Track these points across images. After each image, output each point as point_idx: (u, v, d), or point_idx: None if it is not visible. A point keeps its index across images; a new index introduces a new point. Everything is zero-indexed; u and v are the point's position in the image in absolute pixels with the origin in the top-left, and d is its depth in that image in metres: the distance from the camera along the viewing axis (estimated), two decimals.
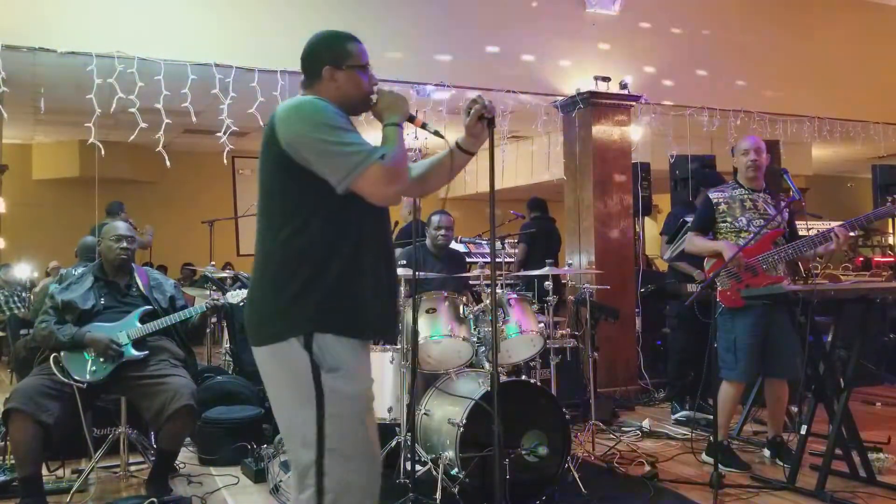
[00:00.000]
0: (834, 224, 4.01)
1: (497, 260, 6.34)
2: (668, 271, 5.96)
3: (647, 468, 4.08)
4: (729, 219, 4.16)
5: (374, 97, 2.15)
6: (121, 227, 3.98)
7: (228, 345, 6.29)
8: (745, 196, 4.19)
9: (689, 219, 4.81)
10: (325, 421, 1.94)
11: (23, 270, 8.96)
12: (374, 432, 2.06)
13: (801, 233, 4.35)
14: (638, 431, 5.03)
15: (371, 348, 4.02)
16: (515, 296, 4.11)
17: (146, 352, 3.77)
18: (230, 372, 5.64)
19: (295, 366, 1.96)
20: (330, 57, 2.12)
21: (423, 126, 2.21)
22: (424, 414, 3.80)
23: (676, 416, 5.39)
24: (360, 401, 2.01)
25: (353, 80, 2.13)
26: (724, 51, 7.39)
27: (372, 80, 2.18)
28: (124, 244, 3.92)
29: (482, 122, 2.20)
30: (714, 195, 4.25)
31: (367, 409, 2.05)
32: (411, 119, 2.16)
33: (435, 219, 4.87)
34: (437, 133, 2.22)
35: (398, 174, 2.00)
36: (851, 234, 4.11)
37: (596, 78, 6.62)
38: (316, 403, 1.94)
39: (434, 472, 3.51)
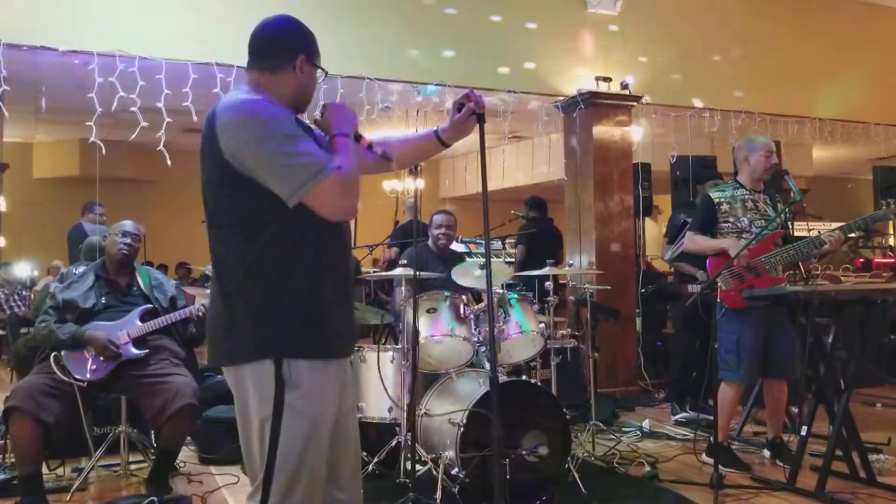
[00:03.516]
0: (835, 225, 4.01)
1: (497, 260, 6.35)
2: (674, 273, 5.96)
3: (648, 469, 4.07)
4: (731, 219, 4.14)
5: (317, 115, 2.04)
6: (127, 224, 4.00)
7: None
8: (747, 196, 4.17)
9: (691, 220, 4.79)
10: (280, 440, 1.85)
11: (23, 269, 8.97)
12: (325, 460, 1.94)
13: (801, 234, 4.34)
14: (638, 432, 5.03)
15: (372, 348, 4.07)
16: (516, 296, 4.11)
17: (146, 350, 3.78)
18: None
19: (257, 385, 1.87)
20: (306, 46, 2.00)
21: (369, 147, 2.08)
22: (425, 414, 3.80)
23: (676, 416, 5.39)
24: (318, 424, 1.90)
25: (313, 77, 2.03)
26: (724, 51, 7.39)
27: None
28: (129, 240, 3.94)
29: (472, 117, 2.14)
30: (715, 195, 4.23)
31: (325, 433, 1.92)
32: (357, 138, 2.05)
33: (436, 218, 4.87)
34: (384, 156, 2.10)
35: (354, 186, 1.87)
36: (850, 236, 4.11)
37: (597, 78, 6.62)
38: (273, 420, 1.85)
39: (434, 472, 3.51)
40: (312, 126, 2.13)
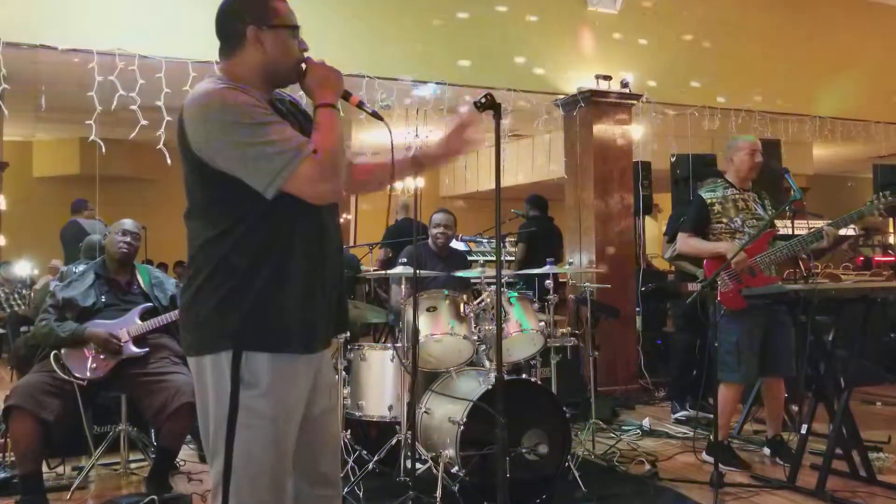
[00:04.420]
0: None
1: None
2: (675, 272, 5.97)
3: (648, 467, 4.08)
4: (724, 219, 4.13)
5: (303, 66, 1.89)
6: (127, 223, 4.01)
7: None
8: (738, 196, 4.18)
9: None
10: (235, 440, 1.78)
11: (23, 268, 8.97)
12: (288, 461, 1.87)
13: (801, 233, 4.34)
14: (638, 430, 5.03)
15: (372, 346, 4.07)
16: (516, 294, 4.11)
17: (146, 349, 3.78)
18: None
19: (216, 379, 1.80)
20: (253, 15, 1.83)
21: (360, 105, 1.95)
22: (425, 412, 3.80)
23: (676, 415, 5.39)
24: (277, 423, 1.82)
25: (281, 43, 1.85)
26: (725, 50, 7.38)
27: (301, 45, 1.90)
28: (128, 239, 3.95)
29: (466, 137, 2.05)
30: (707, 195, 4.21)
31: (285, 433, 1.84)
32: (346, 97, 1.92)
33: (435, 217, 4.88)
34: (374, 114, 1.98)
35: (333, 168, 1.77)
36: (843, 232, 4.10)
37: (597, 76, 6.61)
38: (228, 420, 1.78)
39: (434, 471, 3.52)
40: (294, 98, 2.04)
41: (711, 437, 4.04)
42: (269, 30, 1.84)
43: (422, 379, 3.98)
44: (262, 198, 1.75)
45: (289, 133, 1.76)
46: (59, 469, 4.09)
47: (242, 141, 1.71)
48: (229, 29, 1.87)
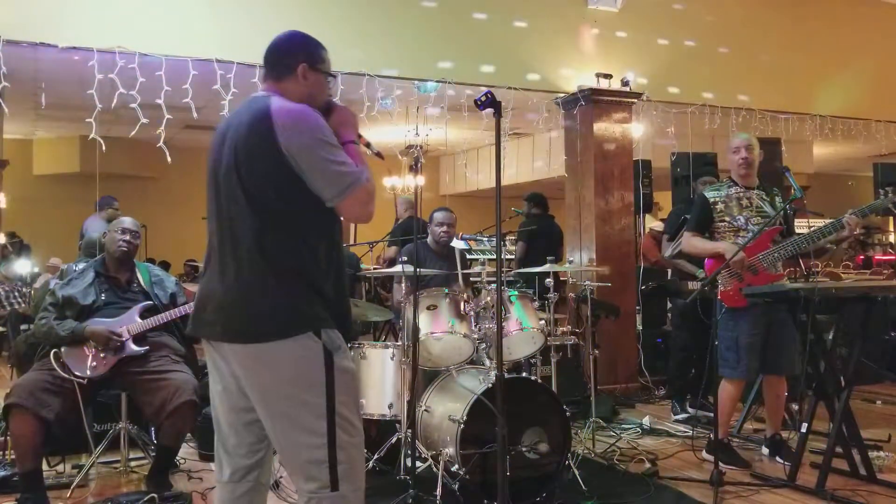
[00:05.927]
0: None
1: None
2: (672, 270, 5.96)
3: (648, 465, 4.08)
4: (727, 218, 4.14)
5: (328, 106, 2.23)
6: (127, 221, 4.01)
7: None
8: (742, 194, 4.18)
9: None
10: (336, 396, 2.00)
11: (23, 266, 8.96)
12: None
13: (802, 231, 4.33)
14: (638, 429, 5.03)
15: (373, 344, 4.07)
16: (516, 293, 4.11)
17: (146, 347, 3.78)
18: None
19: (300, 355, 2.00)
20: (306, 55, 2.19)
21: (367, 146, 2.27)
22: (425, 410, 3.80)
23: (677, 416, 5.38)
24: (356, 377, 2.13)
25: (320, 83, 2.21)
26: (725, 48, 7.38)
27: (330, 90, 2.29)
28: (128, 237, 3.95)
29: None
30: (710, 194, 4.22)
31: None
32: (358, 137, 2.22)
33: (437, 215, 4.87)
34: (378, 155, 2.32)
35: (374, 194, 2.10)
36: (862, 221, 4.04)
37: (597, 75, 6.61)
38: (326, 381, 2.00)
39: (434, 469, 3.52)
40: None
41: (711, 436, 4.04)
42: (314, 71, 2.18)
43: (422, 377, 3.99)
44: (330, 214, 2.05)
45: (349, 158, 2.06)
46: (60, 467, 4.09)
47: (326, 156, 2.01)
48: (283, 61, 2.18)
